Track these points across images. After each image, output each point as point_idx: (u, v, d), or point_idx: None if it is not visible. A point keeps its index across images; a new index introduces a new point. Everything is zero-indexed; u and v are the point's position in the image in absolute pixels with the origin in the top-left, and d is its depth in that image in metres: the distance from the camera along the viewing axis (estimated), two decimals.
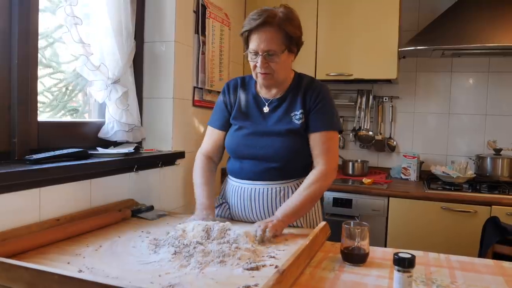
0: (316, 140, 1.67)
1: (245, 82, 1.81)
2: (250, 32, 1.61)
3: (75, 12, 1.68)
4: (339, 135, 1.79)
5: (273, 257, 1.27)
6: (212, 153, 1.84)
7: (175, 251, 1.23)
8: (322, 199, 1.87)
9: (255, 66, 1.64)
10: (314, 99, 1.69)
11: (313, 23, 3.05)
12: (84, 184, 1.67)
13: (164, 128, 2.25)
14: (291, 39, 1.62)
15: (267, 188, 1.70)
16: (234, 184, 1.77)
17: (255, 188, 1.71)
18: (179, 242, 1.28)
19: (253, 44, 1.60)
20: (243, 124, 1.74)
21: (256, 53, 1.61)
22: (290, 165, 1.69)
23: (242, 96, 1.78)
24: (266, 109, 1.73)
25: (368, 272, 1.21)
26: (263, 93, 1.76)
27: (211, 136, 1.85)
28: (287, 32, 1.59)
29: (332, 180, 1.68)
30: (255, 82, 1.77)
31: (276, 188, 1.69)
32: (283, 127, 1.68)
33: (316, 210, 1.79)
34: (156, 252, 1.27)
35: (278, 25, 1.58)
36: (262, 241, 1.40)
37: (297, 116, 1.68)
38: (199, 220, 1.51)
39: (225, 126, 1.81)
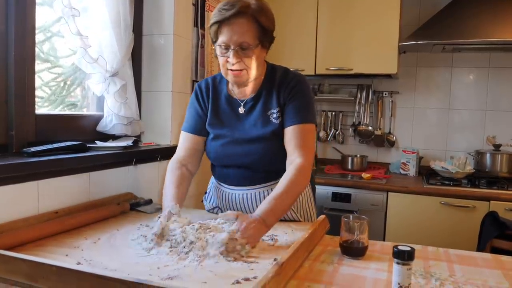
0: (291, 133, 1.54)
1: (216, 83, 1.69)
2: (221, 23, 1.47)
3: (72, 3, 1.67)
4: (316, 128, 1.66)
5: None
6: (187, 161, 1.67)
7: (174, 245, 1.23)
8: (314, 190, 1.83)
9: (225, 62, 1.50)
10: (289, 93, 1.57)
11: (313, 17, 3.04)
12: (82, 177, 1.67)
13: (162, 122, 2.24)
14: (265, 33, 1.51)
15: (255, 192, 1.64)
16: (222, 190, 1.71)
17: (243, 194, 1.65)
18: (177, 236, 1.27)
19: (224, 36, 1.47)
20: (220, 132, 1.64)
21: (227, 47, 1.48)
22: (274, 167, 1.60)
23: (214, 98, 1.67)
24: (241, 110, 1.62)
25: (367, 265, 1.20)
26: (236, 92, 1.64)
27: (186, 142, 1.70)
28: (261, 24, 1.48)
29: (310, 176, 1.55)
30: (227, 81, 1.65)
31: (264, 191, 1.64)
32: (262, 131, 1.58)
33: (309, 201, 1.75)
34: (154, 246, 1.26)
35: (252, 16, 1.46)
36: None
37: (274, 115, 1.58)
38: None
39: (200, 131, 1.68)
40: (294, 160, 1.51)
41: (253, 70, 1.53)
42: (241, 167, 1.63)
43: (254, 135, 1.59)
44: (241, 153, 1.60)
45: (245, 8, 1.46)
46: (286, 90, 1.58)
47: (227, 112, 1.65)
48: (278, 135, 1.58)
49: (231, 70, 1.51)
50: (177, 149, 1.72)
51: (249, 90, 1.62)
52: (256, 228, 1.30)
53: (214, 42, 1.54)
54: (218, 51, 1.52)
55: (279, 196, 1.41)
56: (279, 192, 1.42)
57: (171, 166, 1.65)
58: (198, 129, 1.68)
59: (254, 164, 1.61)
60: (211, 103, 1.67)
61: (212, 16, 1.50)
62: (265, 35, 1.52)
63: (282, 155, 1.58)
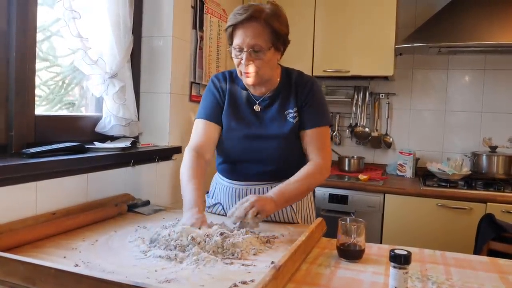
0: (310, 136, 1.64)
1: (233, 76, 1.72)
2: (235, 27, 1.55)
3: (73, 6, 1.67)
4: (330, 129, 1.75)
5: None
6: (204, 149, 1.65)
7: (172, 248, 1.23)
8: (314, 193, 1.86)
9: (239, 63, 1.57)
10: (306, 95, 1.65)
11: (310, 19, 3.05)
12: (80, 178, 1.67)
13: (161, 123, 2.24)
14: (278, 36, 1.56)
15: (262, 188, 1.67)
16: (226, 185, 1.73)
17: (250, 189, 1.67)
18: (175, 241, 1.27)
19: (238, 39, 1.54)
20: (235, 125, 1.67)
21: (241, 49, 1.54)
22: (286, 165, 1.66)
23: (231, 90, 1.70)
24: (257, 108, 1.67)
25: (364, 268, 1.21)
26: (252, 90, 1.69)
27: (203, 129, 1.68)
28: (274, 29, 1.53)
29: (327, 177, 1.64)
30: None
31: (268, 187, 1.66)
32: (278, 129, 1.64)
33: (310, 205, 1.77)
34: (151, 249, 1.27)
35: (265, 21, 1.52)
36: (241, 222, 1.38)
37: (291, 115, 1.64)
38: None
39: (217, 119, 1.68)
40: (313, 159, 1.63)
41: (265, 72, 1.59)
42: (252, 162, 1.67)
43: (271, 132, 1.65)
44: (256, 149, 1.65)
45: (258, 13, 1.52)
46: (303, 92, 1.66)
47: (243, 106, 1.69)
48: (293, 134, 1.65)
49: (245, 72, 1.57)
50: (192, 136, 1.70)
51: (265, 89, 1.68)
52: (267, 201, 1.42)
53: (230, 44, 1.61)
54: (233, 53, 1.59)
55: (291, 182, 1.53)
56: (292, 179, 1.54)
57: (189, 154, 1.63)
58: (215, 117, 1.69)
59: (267, 160, 1.66)
60: (228, 94, 1.71)
61: (228, 20, 1.59)
62: (278, 39, 1.57)
63: (293, 153, 1.67)
